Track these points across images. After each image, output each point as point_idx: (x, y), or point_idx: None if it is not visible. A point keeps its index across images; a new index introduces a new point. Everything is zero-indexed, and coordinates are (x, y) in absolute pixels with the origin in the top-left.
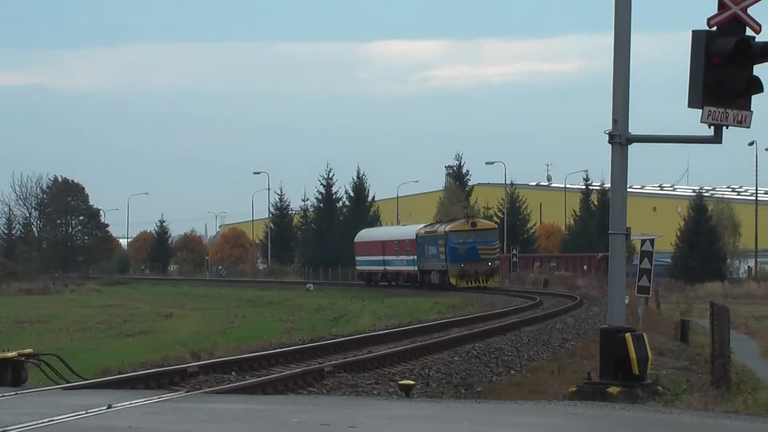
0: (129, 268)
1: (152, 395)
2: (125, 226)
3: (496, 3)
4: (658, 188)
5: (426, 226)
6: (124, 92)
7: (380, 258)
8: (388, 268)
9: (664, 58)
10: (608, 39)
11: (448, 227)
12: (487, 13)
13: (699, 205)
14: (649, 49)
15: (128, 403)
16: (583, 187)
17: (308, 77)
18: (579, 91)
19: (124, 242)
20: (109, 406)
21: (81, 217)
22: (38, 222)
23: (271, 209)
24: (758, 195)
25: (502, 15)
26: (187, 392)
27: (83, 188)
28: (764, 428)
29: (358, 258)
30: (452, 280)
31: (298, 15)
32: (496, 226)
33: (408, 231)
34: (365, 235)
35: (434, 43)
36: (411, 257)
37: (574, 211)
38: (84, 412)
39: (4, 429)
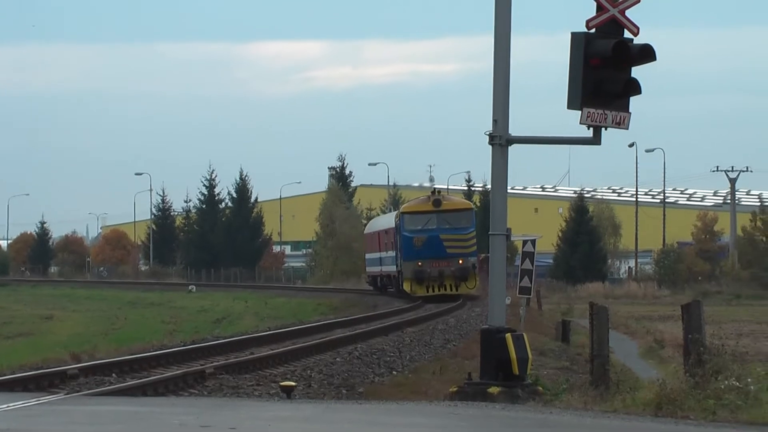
0: (8, 270)
1: (30, 398)
2: (5, 227)
3: (375, 4)
4: (540, 189)
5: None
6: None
7: (377, 256)
8: (384, 268)
9: (545, 61)
10: (487, 41)
11: (403, 207)
12: (367, 15)
13: (580, 206)
14: (529, 51)
15: (5, 405)
16: (466, 188)
17: (187, 78)
18: (460, 93)
19: (3, 243)
20: None
21: None
22: None
23: (153, 210)
24: (638, 196)
25: (382, 16)
26: (66, 394)
27: None
28: (641, 427)
29: (366, 256)
30: (406, 286)
31: (174, 15)
32: (472, 206)
33: (392, 218)
34: (372, 225)
35: (315, 43)
36: (394, 253)
37: None
38: None
39: None
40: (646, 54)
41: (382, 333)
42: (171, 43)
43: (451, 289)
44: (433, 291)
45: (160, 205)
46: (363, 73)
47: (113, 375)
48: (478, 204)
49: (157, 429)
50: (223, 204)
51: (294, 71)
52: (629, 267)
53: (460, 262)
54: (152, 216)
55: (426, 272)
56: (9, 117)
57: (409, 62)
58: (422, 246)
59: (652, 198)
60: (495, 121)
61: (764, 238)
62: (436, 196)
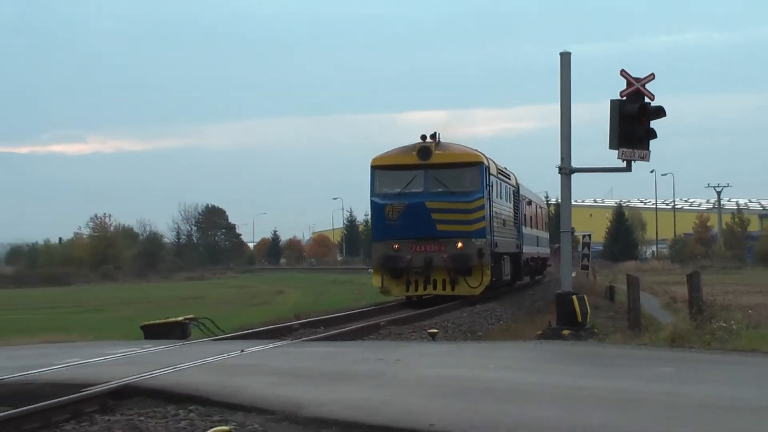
0: (254, 262)
1: (269, 343)
2: (252, 234)
3: (481, 84)
4: (593, 201)
5: None
6: (246, 149)
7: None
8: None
9: (591, 117)
10: (555, 107)
11: (374, 158)
12: (476, 91)
13: (619, 212)
14: (582, 113)
15: (254, 348)
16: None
17: (361, 136)
18: (536, 141)
19: (251, 245)
20: (242, 351)
21: (223, 230)
22: (196, 233)
23: (344, 221)
24: (657, 204)
25: (486, 92)
26: (291, 341)
27: (224, 211)
28: (662, 354)
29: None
30: (375, 280)
31: (349, 97)
32: (481, 158)
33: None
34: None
35: (441, 112)
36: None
37: None
38: (226, 354)
39: (174, 367)
40: (660, 112)
41: (494, 299)
42: (356, 115)
43: (444, 288)
44: (416, 290)
45: (349, 218)
46: (473, 130)
47: (321, 327)
48: (553, 212)
49: (348, 360)
50: None
51: (429, 130)
52: (652, 251)
53: (459, 245)
54: (344, 225)
55: (404, 260)
56: (251, 165)
57: (502, 122)
58: (399, 219)
59: (666, 205)
60: (562, 159)
61: (740, 230)
62: (424, 143)
